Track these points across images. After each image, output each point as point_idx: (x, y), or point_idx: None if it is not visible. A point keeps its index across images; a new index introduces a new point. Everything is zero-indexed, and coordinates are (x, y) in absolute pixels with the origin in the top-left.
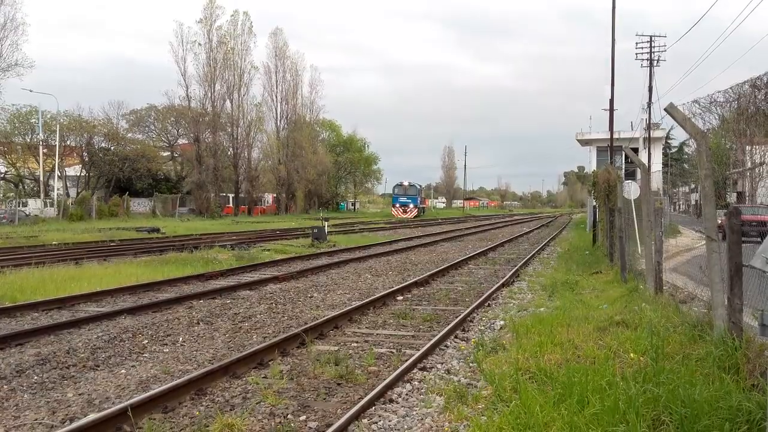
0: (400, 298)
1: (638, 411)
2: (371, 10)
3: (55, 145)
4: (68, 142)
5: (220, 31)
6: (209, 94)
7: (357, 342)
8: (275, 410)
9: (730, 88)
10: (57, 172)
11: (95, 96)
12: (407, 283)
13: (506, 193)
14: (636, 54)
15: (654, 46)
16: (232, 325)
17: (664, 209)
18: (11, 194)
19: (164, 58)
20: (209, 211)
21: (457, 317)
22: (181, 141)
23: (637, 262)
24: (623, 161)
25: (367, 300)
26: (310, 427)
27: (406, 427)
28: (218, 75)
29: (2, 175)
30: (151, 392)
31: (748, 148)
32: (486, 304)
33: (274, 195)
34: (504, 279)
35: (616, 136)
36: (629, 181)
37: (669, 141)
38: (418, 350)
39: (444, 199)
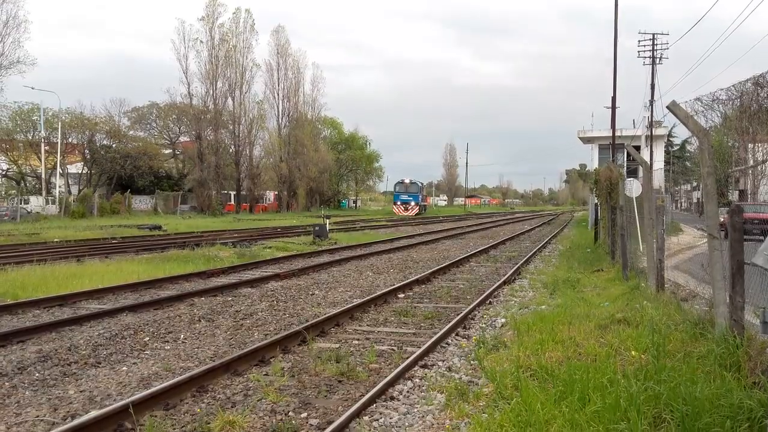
0: (401, 295)
1: (639, 409)
2: (372, 9)
3: (57, 143)
4: (70, 140)
5: (222, 29)
6: (211, 92)
7: (358, 339)
8: (276, 407)
9: (733, 85)
10: (59, 170)
11: (97, 93)
12: (409, 280)
13: (508, 190)
14: (638, 52)
15: (656, 44)
16: (234, 323)
17: (665, 207)
18: (13, 191)
19: (166, 56)
20: (211, 209)
21: (458, 315)
22: (182, 138)
23: (638, 260)
24: (625, 159)
25: (368, 297)
26: (312, 425)
27: (407, 424)
28: (220, 72)
29: (4, 173)
30: (153, 389)
31: (750, 146)
32: (487, 302)
33: (276, 192)
34: (505, 277)
35: (618, 133)
36: (631, 178)
37: (671, 139)
38: (420, 348)
39: (445, 197)
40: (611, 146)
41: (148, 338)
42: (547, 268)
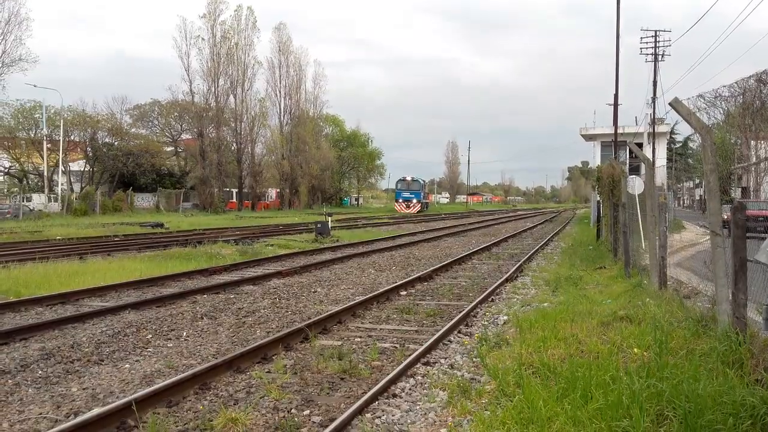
0: (403, 293)
1: (642, 406)
2: (372, 4)
3: (59, 140)
4: (72, 137)
5: (223, 26)
6: (213, 89)
7: (360, 337)
8: (279, 405)
9: (735, 82)
10: (61, 167)
11: (98, 91)
12: (411, 278)
13: (510, 188)
14: (640, 49)
15: (658, 41)
16: (236, 320)
17: (668, 204)
18: (15, 189)
19: (167, 53)
20: (213, 207)
21: (460, 312)
22: (184, 136)
23: (641, 258)
24: (627, 156)
25: (370, 295)
26: (314, 422)
27: (409, 421)
28: (222, 70)
29: (6, 170)
30: (156, 387)
31: (752, 142)
32: (489, 300)
33: (278, 190)
34: (508, 274)
35: (620, 131)
36: (633, 176)
37: (673, 136)
38: (422, 345)
39: (447, 195)
40: (613, 143)
41: (150, 336)
42: (549, 265)
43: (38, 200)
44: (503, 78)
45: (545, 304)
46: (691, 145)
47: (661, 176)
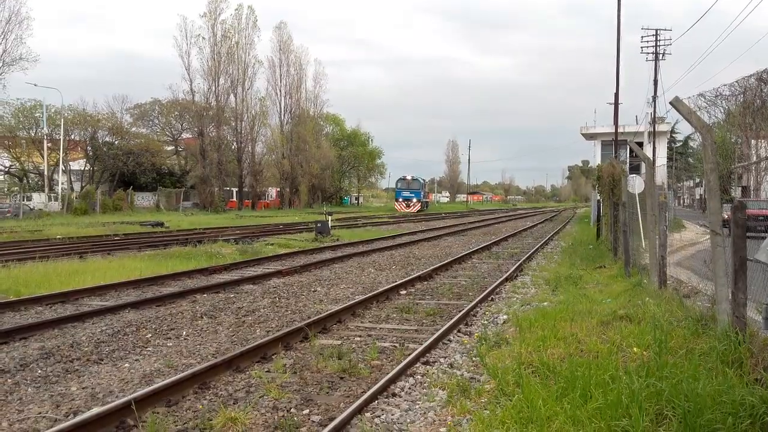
0: (403, 292)
1: (641, 405)
2: (372, 4)
3: (60, 140)
4: (72, 137)
5: (224, 25)
6: (213, 89)
7: (360, 336)
8: (278, 404)
9: (736, 81)
10: (61, 167)
11: (99, 90)
12: (411, 277)
13: (510, 187)
14: (641, 47)
15: (659, 40)
16: (236, 319)
17: (668, 203)
18: (15, 188)
19: (168, 52)
20: (213, 206)
21: (460, 311)
22: (185, 135)
23: (641, 257)
24: (628, 155)
25: (370, 294)
26: (313, 421)
27: (408, 420)
28: (222, 69)
29: (6, 170)
30: (155, 386)
31: (753, 142)
32: (489, 299)
33: (278, 189)
34: (507, 273)
35: (620, 130)
36: (634, 175)
37: (674, 135)
38: (422, 344)
39: (448, 194)
40: (614, 142)
41: (150, 335)
42: (549, 264)
43: (38, 199)
44: (503, 77)
45: (545, 304)
46: (691, 144)
47: (661, 175)
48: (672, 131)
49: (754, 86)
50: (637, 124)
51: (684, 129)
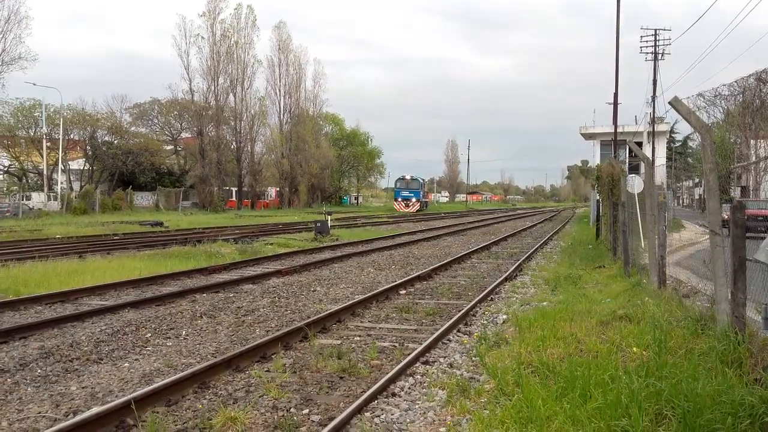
0: (403, 292)
1: (641, 405)
2: (372, 4)
3: (59, 139)
4: (72, 136)
5: (223, 25)
6: (212, 88)
7: (360, 336)
8: (278, 404)
9: (735, 81)
10: (60, 166)
11: (98, 90)
12: (410, 277)
13: (509, 187)
14: (640, 47)
15: (658, 40)
16: (235, 319)
17: (667, 203)
18: (15, 188)
19: (167, 52)
20: (212, 205)
21: (459, 311)
22: (184, 135)
23: (640, 257)
24: (627, 155)
25: (370, 294)
26: (313, 421)
27: (408, 420)
28: (222, 69)
29: (6, 169)
30: (155, 385)
31: (752, 142)
32: (489, 299)
33: (277, 189)
34: (507, 273)
35: (619, 130)
36: (633, 175)
37: (673, 135)
38: (421, 344)
39: (447, 193)
40: (613, 142)
41: (149, 334)
42: (548, 264)
43: (38, 199)
44: (503, 77)
45: (544, 303)
46: (690, 144)
47: (660, 175)
48: (671, 131)
49: (753, 86)
50: (636, 124)
51: (683, 129)
